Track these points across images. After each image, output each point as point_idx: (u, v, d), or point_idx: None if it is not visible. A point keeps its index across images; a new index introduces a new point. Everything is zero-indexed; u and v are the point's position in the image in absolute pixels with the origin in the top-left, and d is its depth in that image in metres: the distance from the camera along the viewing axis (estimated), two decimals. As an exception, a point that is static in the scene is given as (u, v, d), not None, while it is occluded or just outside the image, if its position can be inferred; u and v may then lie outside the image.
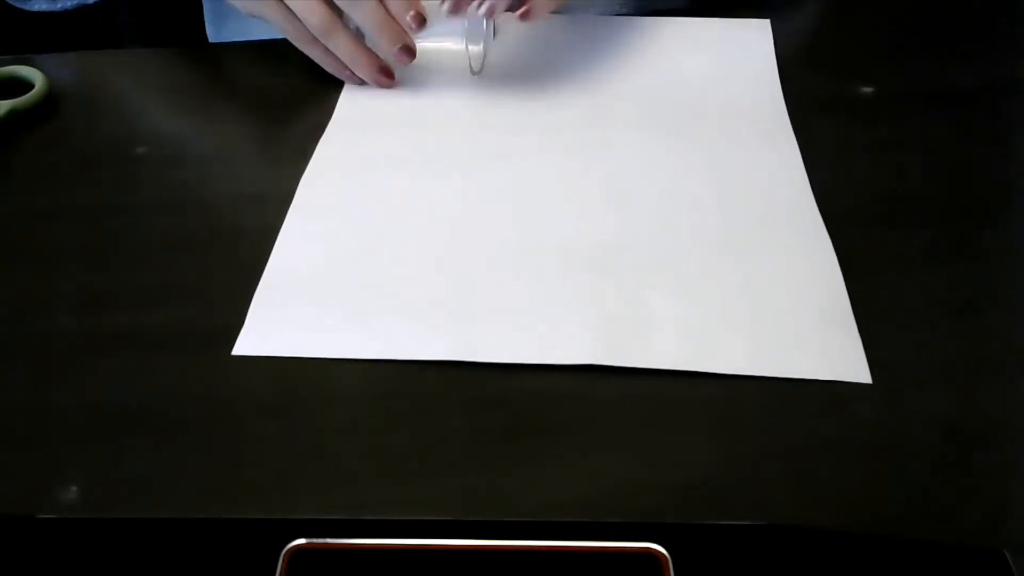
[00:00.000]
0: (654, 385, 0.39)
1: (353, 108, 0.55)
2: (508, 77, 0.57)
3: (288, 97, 0.57)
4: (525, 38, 0.59)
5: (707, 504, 0.34)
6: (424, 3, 0.53)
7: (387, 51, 0.54)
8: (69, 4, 0.62)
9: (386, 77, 0.55)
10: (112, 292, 0.44)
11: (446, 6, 0.51)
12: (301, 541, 0.30)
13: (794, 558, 0.31)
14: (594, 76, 0.57)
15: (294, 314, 0.42)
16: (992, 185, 0.50)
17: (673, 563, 0.30)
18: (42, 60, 0.58)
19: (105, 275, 0.45)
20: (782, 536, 0.31)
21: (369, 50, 0.54)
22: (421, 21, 0.52)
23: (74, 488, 0.35)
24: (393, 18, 0.52)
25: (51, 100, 0.56)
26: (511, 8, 0.52)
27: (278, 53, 0.56)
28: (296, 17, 0.52)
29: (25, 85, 0.56)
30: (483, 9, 0.51)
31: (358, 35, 0.54)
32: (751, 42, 0.59)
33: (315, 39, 0.53)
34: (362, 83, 0.56)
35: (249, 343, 0.41)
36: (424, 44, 0.54)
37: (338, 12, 0.52)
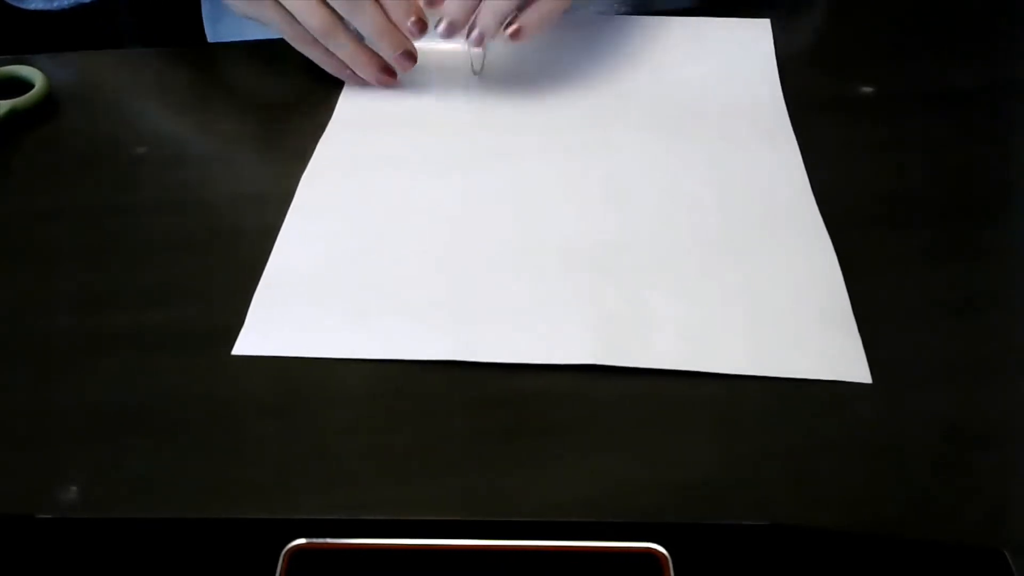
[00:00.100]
0: (654, 385, 0.39)
1: (353, 108, 0.55)
2: (508, 77, 0.57)
3: (288, 97, 0.57)
4: None
5: (707, 504, 0.34)
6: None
7: (389, 56, 0.54)
8: (66, 3, 0.62)
9: (388, 76, 0.55)
10: (112, 292, 0.44)
11: (441, 30, 0.52)
12: (301, 541, 0.30)
13: (794, 558, 0.31)
14: (594, 76, 0.57)
15: (294, 314, 0.42)
16: (992, 185, 0.50)
17: (673, 563, 0.30)
18: (42, 60, 0.58)
19: (105, 275, 0.45)
20: (782, 536, 0.31)
21: (370, 50, 0.54)
22: (422, 27, 0.53)
23: (74, 488, 0.35)
24: (394, 24, 0.52)
25: (51, 100, 0.56)
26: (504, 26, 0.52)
27: (278, 53, 0.56)
28: (295, 19, 0.52)
29: (25, 85, 0.56)
30: (473, 37, 0.51)
31: (358, 35, 0.54)
32: (751, 42, 0.60)
33: (315, 40, 0.53)
34: (363, 83, 0.56)
35: (249, 343, 0.41)
36: (425, 45, 0.54)
37: (337, 13, 0.52)
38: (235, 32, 0.65)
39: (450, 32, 0.51)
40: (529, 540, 0.30)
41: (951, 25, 0.63)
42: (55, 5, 0.62)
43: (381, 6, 0.52)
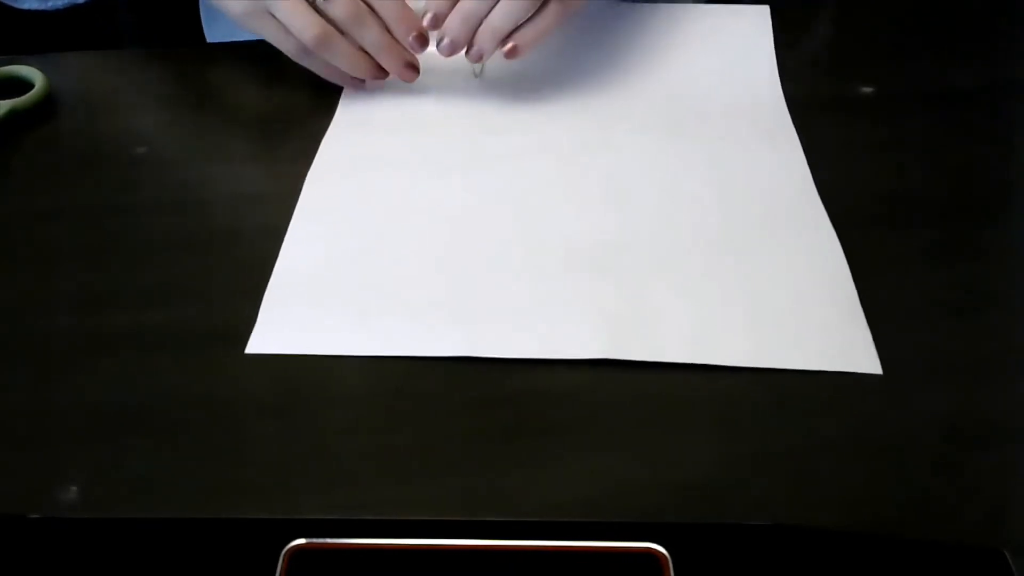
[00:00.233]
0: (654, 385, 0.39)
1: (355, 108, 0.55)
2: (508, 76, 0.57)
3: (288, 97, 0.57)
4: None
5: (707, 504, 0.34)
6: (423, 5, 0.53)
7: (393, 70, 0.54)
8: (60, 3, 0.62)
9: (384, 73, 0.55)
10: (112, 292, 0.44)
11: (442, 49, 0.53)
12: (301, 541, 0.30)
13: (794, 558, 0.31)
14: (593, 74, 0.57)
15: (305, 312, 0.42)
16: (992, 185, 0.50)
17: (673, 563, 0.30)
18: (42, 60, 0.58)
19: (105, 275, 0.45)
20: (782, 536, 0.31)
21: (367, 55, 0.54)
22: (423, 42, 0.53)
23: (74, 488, 0.35)
24: (396, 40, 0.53)
25: (51, 100, 0.56)
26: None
27: (277, 53, 0.56)
28: (291, 32, 0.52)
29: (25, 85, 0.56)
30: (472, 55, 0.53)
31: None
32: (751, 29, 0.59)
33: (312, 52, 0.53)
34: (360, 86, 0.56)
35: (261, 342, 0.41)
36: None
37: (332, 23, 0.52)
38: (233, 32, 0.65)
39: (451, 51, 0.53)
40: (529, 540, 0.30)
41: (951, 25, 0.63)
42: (49, 5, 0.62)
43: (382, 21, 0.52)
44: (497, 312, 0.42)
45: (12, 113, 0.54)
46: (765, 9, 0.60)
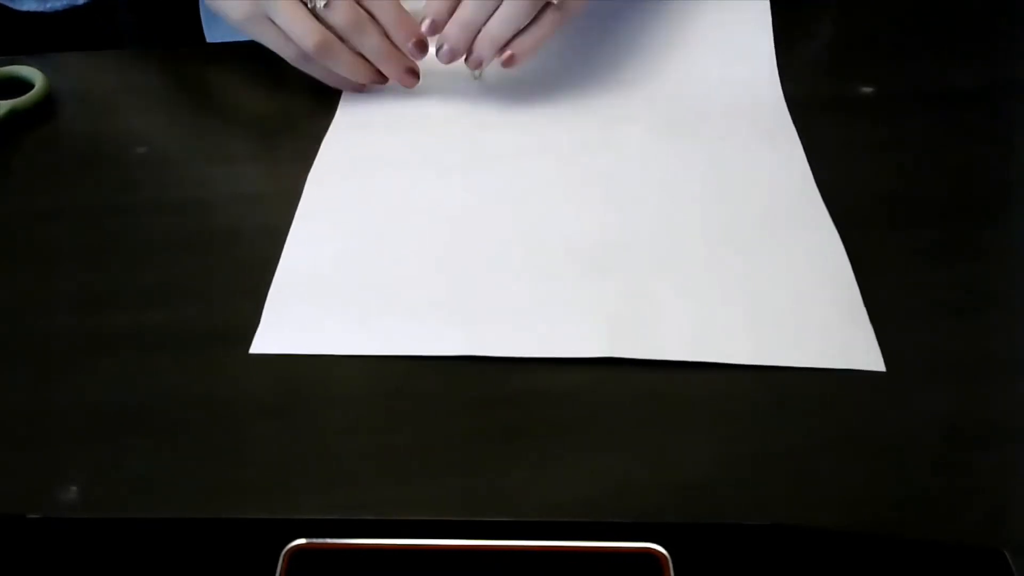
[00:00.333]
0: (654, 385, 0.39)
1: (356, 108, 0.55)
2: (508, 77, 0.57)
3: (288, 97, 0.57)
4: None
5: (707, 504, 0.35)
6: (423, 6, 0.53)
7: (394, 76, 0.54)
8: (59, 5, 0.62)
9: (384, 77, 0.55)
10: (112, 292, 0.44)
11: (442, 56, 0.53)
12: (301, 541, 0.30)
13: (794, 558, 0.31)
14: (593, 73, 0.57)
15: (309, 312, 0.42)
16: (992, 185, 0.50)
17: (673, 563, 0.30)
18: (42, 60, 0.58)
19: (105, 275, 0.45)
20: (782, 536, 0.31)
21: (367, 61, 0.54)
22: (423, 48, 0.53)
23: (74, 488, 0.35)
24: (396, 46, 0.53)
25: (51, 100, 0.56)
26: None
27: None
28: (291, 39, 0.52)
29: (25, 85, 0.56)
30: (470, 62, 0.53)
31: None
32: (750, 23, 0.59)
33: (312, 58, 0.53)
34: (361, 89, 0.56)
35: (265, 342, 0.41)
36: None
37: (332, 30, 0.52)
38: (233, 33, 0.65)
39: (450, 58, 0.53)
40: (529, 540, 0.30)
41: (951, 25, 0.63)
42: (47, 7, 0.62)
43: (382, 27, 0.52)
44: (498, 311, 0.42)
45: (12, 113, 0.54)
46: (765, 3, 0.60)
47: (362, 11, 0.52)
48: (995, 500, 0.35)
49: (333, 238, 0.46)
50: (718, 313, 0.41)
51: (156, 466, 0.36)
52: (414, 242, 0.46)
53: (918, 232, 0.46)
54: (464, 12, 0.51)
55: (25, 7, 0.62)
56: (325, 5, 0.51)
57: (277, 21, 0.52)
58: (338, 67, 0.54)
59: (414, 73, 0.55)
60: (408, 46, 0.53)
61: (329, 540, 0.30)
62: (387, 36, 0.53)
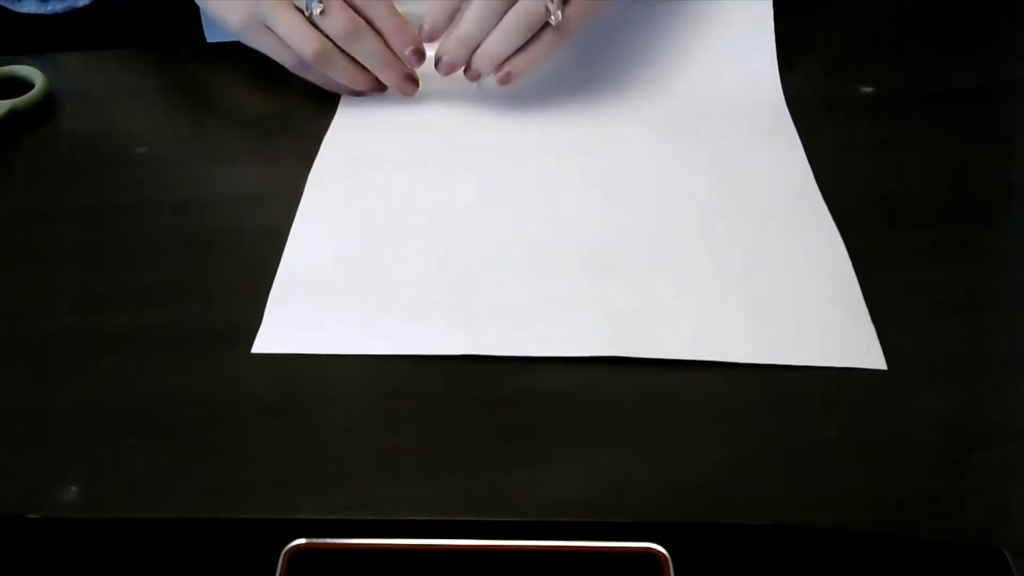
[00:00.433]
0: (654, 385, 0.39)
1: (356, 108, 0.55)
2: None
3: (288, 97, 0.57)
4: None
5: (707, 504, 0.34)
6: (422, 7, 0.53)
7: (393, 84, 0.54)
8: (59, 7, 0.62)
9: (383, 87, 0.55)
10: (112, 292, 0.44)
11: (440, 69, 0.53)
12: (301, 541, 0.30)
13: (794, 558, 0.31)
14: (593, 72, 0.57)
15: (311, 312, 0.42)
16: (992, 185, 0.50)
17: (673, 563, 0.30)
18: (42, 60, 0.58)
19: (105, 275, 0.45)
20: (782, 536, 0.31)
21: (366, 69, 0.54)
22: (420, 56, 0.53)
23: (74, 488, 0.35)
24: (394, 54, 0.53)
25: (51, 100, 0.56)
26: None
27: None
28: (289, 47, 0.52)
29: (25, 85, 0.56)
30: (469, 76, 0.53)
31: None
32: (751, 22, 0.59)
33: (311, 65, 0.53)
34: (362, 95, 0.56)
35: (268, 341, 0.41)
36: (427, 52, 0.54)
37: (330, 38, 0.52)
38: (231, 33, 0.65)
39: (448, 71, 0.53)
40: (529, 540, 0.30)
41: (951, 25, 0.63)
42: (48, 9, 0.62)
43: (380, 35, 0.52)
44: (499, 311, 0.42)
45: (12, 113, 0.54)
46: (767, 3, 0.60)
47: (359, 18, 0.52)
48: (995, 500, 0.35)
49: (334, 238, 0.46)
50: (719, 312, 0.41)
51: (156, 466, 0.36)
52: (415, 242, 0.46)
53: (918, 232, 0.46)
54: (463, 28, 0.52)
55: (25, 9, 0.62)
56: (321, 12, 0.51)
57: (274, 28, 0.52)
58: (336, 75, 0.53)
59: (413, 80, 0.54)
60: (406, 53, 0.53)
61: (329, 540, 0.30)
62: (385, 43, 0.52)
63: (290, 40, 0.52)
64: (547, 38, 0.52)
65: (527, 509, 0.34)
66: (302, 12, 0.51)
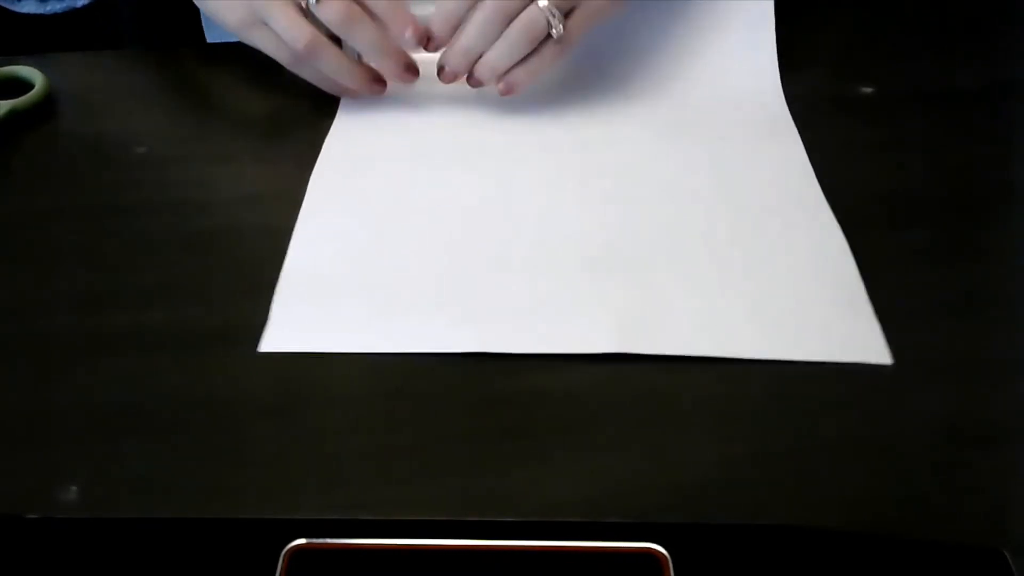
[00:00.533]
0: (654, 385, 0.39)
1: (358, 107, 0.55)
2: None
3: (288, 96, 0.57)
4: None
5: (707, 504, 0.34)
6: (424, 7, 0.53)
7: (392, 73, 0.54)
8: (59, 7, 0.62)
9: (379, 85, 0.55)
10: (112, 292, 0.44)
11: (442, 78, 0.54)
12: (301, 541, 0.30)
13: (794, 558, 0.31)
14: (595, 71, 0.57)
15: (318, 310, 0.42)
16: (992, 185, 0.50)
17: (673, 563, 0.30)
18: (42, 60, 0.58)
19: (105, 275, 0.45)
20: (782, 536, 0.31)
21: (358, 63, 0.54)
22: (421, 40, 0.53)
23: (74, 488, 0.35)
24: (392, 43, 0.53)
25: (51, 100, 0.56)
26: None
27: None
28: (283, 40, 0.52)
29: (25, 85, 0.56)
30: (471, 84, 0.54)
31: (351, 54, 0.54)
32: (752, 21, 0.59)
33: (305, 61, 0.53)
34: (355, 95, 0.56)
35: (274, 340, 0.41)
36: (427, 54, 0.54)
37: (325, 32, 0.52)
38: (231, 33, 0.65)
39: (450, 80, 0.54)
40: (529, 540, 0.30)
41: (951, 25, 0.63)
42: (47, 8, 0.62)
43: (377, 23, 0.52)
44: (506, 309, 0.42)
45: (12, 113, 0.54)
46: (768, 3, 0.60)
47: (355, 6, 0.51)
48: (995, 500, 0.35)
49: (339, 237, 0.46)
50: (723, 309, 0.42)
51: (156, 466, 0.36)
52: (420, 240, 0.46)
53: (918, 232, 0.46)
54: (465, 39, 0.52)
55: (24, 9, 0.62)
56: (317, 2, 0.51)
57: (270, 23, 0.52)
58: (329, 69, 0.53)
59: (413, 69, 0.54)
60: (405, 36, 0.52)
61: (329, 540, 0.30)
62: (383, 32, 0.52)
63: (284, 34, 0.51)
64: (549, 50, 0.52)
65: (527, 509, 0.34)
66: (299, 6, 0.51)
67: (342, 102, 0.56)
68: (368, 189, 0.49)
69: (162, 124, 0.56)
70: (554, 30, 0.51)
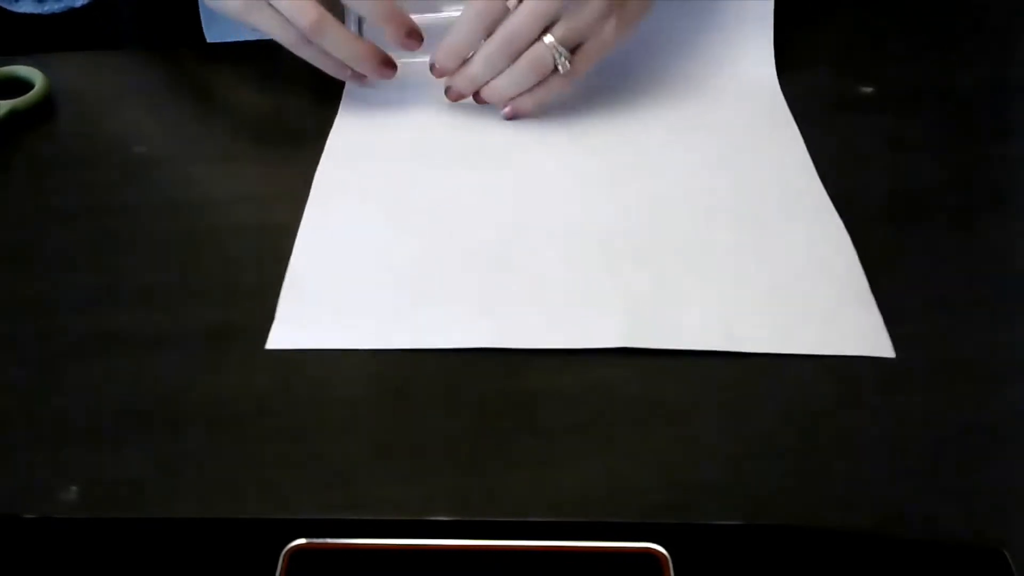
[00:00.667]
0: (655, 385, 0.39)
1: (359, 106, 0.55)
2: None
3: (288, 96, 0.57)
4: None
5: (707, 504, 0.34)
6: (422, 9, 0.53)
7: (395, 39, 0.53)
8: (57, 7, 0.62)
9: (389, 68, 0.54)
10: (112, 292, 0.44)
11: (448, 96, 0.54)
12: (301, 541, 0.30)
13: (795, 558, 0.31)
14: (596, 72, 0.57)
15: (323, 307, 0.42)
16: (992, 185, 0.50)
17: (673, 563, 0.30)
18: (41, 60, 0.58)
19: (105, 275, 0.45)
20: (782, 536, 0.31)
21: (367, 42, 0.54)
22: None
23: (74, 488, 0.35)
24: (394, 5, 0.52)
25: (51, 100, 0.56)
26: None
27: (277, 52, 0.56)
28: (287, 21, 0.52)
29: (25, 85, 0.56)
30: (477, 100, 0.54)
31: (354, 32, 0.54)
32: (752, 20, 0.59)
33: (309, 41, 0.53)
34: (362, 81, 0.55)
35: (281, 337, 0.41)
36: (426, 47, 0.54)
37: (329, 8, 0.52)
38: (233, 32, 0.65)
39: (455, 99, 0.54)
40: (529, 540, 0.30)
41: (951, 25, 0.63)
42: (45, 9, 0.62)
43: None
44: (523, 302, 0.42)
45: (12, 113, 0.54)
46: (769, 3, 0.60)
47: None
48: (995, 500, 0.35)
49: (345, 233, 0.46)
50: (729, 304, 0.42)
51: (156, 466, 0.36)
52: (426, 236, 0.46)
53: (919, 231, 0.46)
54: (473, 68, 0.52)
55: (22, 9, 0.62)
56: None
57: (274, 3, 0.51)
58: (333, 47, 0.52)
59: (416, 35, 0.53)
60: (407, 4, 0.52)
61: (329, 540, 0.30)
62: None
63: (288, 12, 0.51)
64: (555, 83, 0.53)
65: (527, 509, 0.34)
66: None
67: (343, 102, 0.56)
68: (374, 186, 0.50)
69: (162, 124, 0.56)
70: (560, 67, 0.51)
